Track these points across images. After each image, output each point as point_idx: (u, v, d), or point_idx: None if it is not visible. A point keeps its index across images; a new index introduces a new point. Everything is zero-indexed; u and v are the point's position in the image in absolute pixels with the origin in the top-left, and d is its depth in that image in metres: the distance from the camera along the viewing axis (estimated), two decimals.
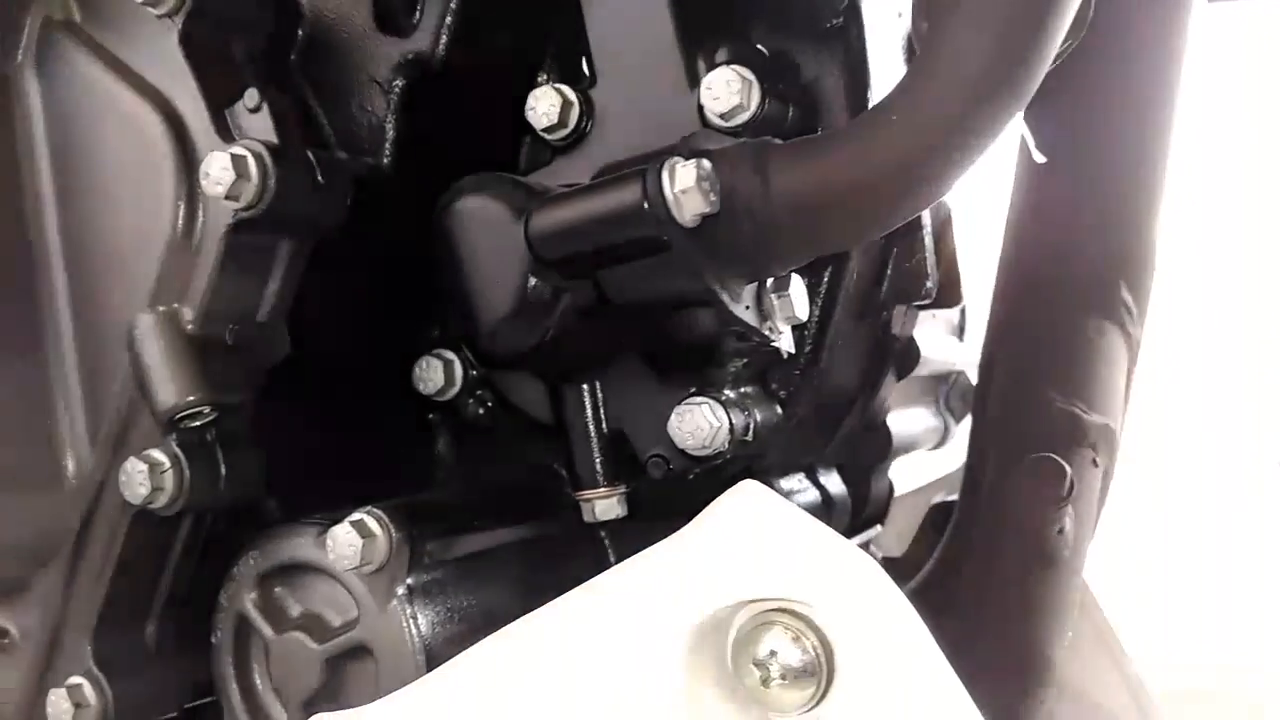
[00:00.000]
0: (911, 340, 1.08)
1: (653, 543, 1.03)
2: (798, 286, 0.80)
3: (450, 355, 0.98)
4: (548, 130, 0.91)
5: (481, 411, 1.00)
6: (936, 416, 1.43)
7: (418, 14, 0.91)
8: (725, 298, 0.74)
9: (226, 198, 0.80)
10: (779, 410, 0.93)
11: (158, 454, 0.85)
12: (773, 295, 0.80)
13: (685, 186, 0.70)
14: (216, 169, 0.79)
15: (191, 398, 0.83)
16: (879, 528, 1.26)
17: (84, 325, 0.88)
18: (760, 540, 0.71)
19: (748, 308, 0.77)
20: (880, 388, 1.06)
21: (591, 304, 0.80)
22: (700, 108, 0.86)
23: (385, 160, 0.94)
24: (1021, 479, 0.95)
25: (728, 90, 0.83)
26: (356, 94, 0.93)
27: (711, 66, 0.87)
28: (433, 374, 0.97)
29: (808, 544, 0.71)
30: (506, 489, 1.01)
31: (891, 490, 1.25)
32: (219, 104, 0.85)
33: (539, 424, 0.96)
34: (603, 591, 0.73)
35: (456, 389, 0.98)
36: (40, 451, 0.89)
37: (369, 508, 0.84)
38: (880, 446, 1.17)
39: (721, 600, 0.70)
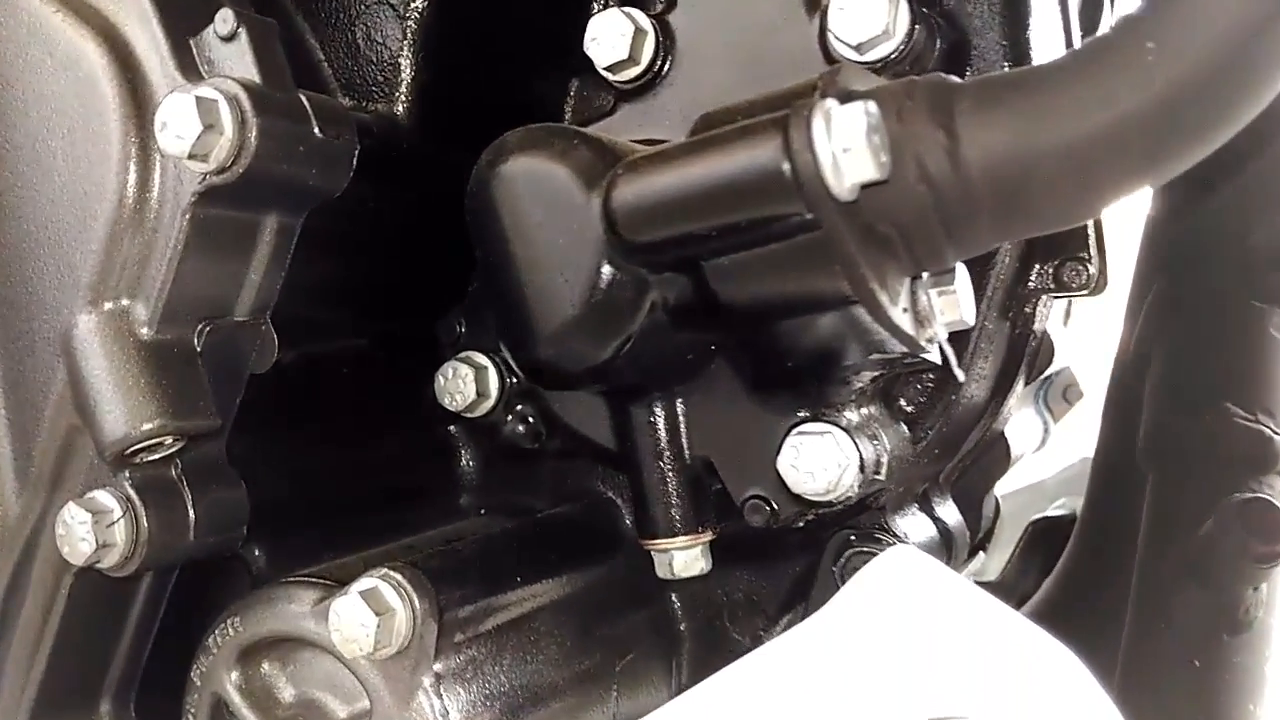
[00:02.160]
0: (1047, 335, 0.88)
1: (721, 597, 0.84)
2: (963, 279, 0.59)
3: (482, 360, 0.77)
4: (612, 68, 0.70)
5: (522, 430, 0.79)
6: (1037, 416, 1.22)
7: None
8: (884, 299, 0.53)
9: (190, 157, 0.58)
10: (907, 433, 0.73)
11: (104, 497, 0.64)
12: (932, 292, 0.58)
13: (849, 143, 0.48)
14: (177, 118, 0.58)
15: (148, 426, 0.62)
16: (982, 555, 1.06)
17: (6, 329, 0.66)
18: (933, 639, 0.52)
19: (905, 310, 0.56)
20: (1012, 394, 0.86)
21: (687, 303, 0.59)
22: (825, 35, 0.65)
23: (400, 107, 0.72)
24: (1218, 523, 0.75)
25: (868, 8, 0.62)
26: (362, 19, 0.72)
27: None
28: (460, 384, 0.76)
29: (994, 640, 0.52)
30: (548, 525, 0.80)
31: (998, 509, 1.06)
32: (179, 30, 0.63)
33: (598, 448, 0.75)
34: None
35: (491, 403, 0.77)
36: None
37: (383, 570, 0.63)
38: (999, 462, 0.97)
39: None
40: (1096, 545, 1.01)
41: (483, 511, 0.88)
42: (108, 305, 0.63)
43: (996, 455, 0.96)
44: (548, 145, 0.60)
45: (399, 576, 0.63)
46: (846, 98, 0.51)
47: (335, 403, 0.80)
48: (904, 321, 0.56)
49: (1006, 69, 0.69)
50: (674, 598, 0.85)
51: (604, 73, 0.70)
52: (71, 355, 0.63)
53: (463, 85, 0.74)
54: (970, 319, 0.60)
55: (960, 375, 0.61)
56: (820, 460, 0.64)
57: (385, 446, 0.85)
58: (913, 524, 0.84)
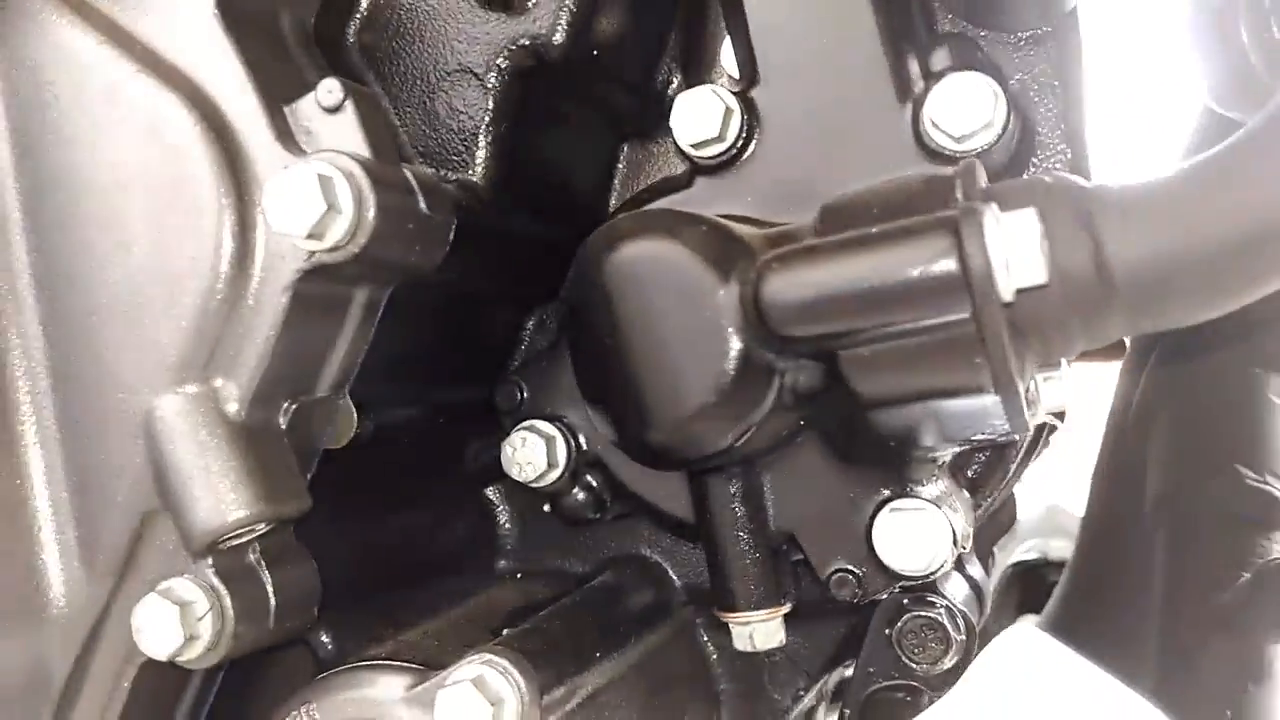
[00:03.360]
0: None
1: (763, 657, 0.84)
2: (1065, 366, 0.62)
3: (549, 429, 0.75)
4: (697, 145, 0.70)
5: (585, 499, 0.78)
6: None
7: None
8: (1022, 389, 0.55)
9: (308, 236, 0.56)
10: (970, 501, 0.75)
11: (185, 587, 0.60)
12: (1040, 378, 0.61)
13: (1019, 251, 0.50)
14: (294, 196, 0.55)
15: (243, 514, 0.59)
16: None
17: (71, 407, 0.62)
18: None
19: (1028, 401, 0.58)
20: (1040, 446, 0.89)
21: (814, 388, 0.60)
22: (919, 122, 0.66)
23: (477, 176, 0.71)
24: (1256, 583, 0.80)
25: (968, 105, 0.64)
26: (443, 88, 0.70)
27: (928, 74, 0.68)
28: (531, 455, 0.75)
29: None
30: (611, 594, 0.80)
31: (993, 559, 1.09)
32: (275, 97, 0.60)
33: (670, 518, 0.75)
34: None
35: (559, 472, 0.75)
36: (15, 576, 0.63)
37: (487, 656, 0.62)
38: (1010, 515, 1.00)
39: None
40: (1090, 590, 1.06)
41: (519, 576, 0.87)
42: (197, 386, 0.60)
43: (1008, 510, 1.00)
44: (674, 231, 0.60)
45: (505, 662, 0.61)
46: (1005, 203, 0.52)
47: (392, 472, 0.77)
48: (1026, 409, 0.58)
49: (1068, 154, 0.73)
50: (716, 659, 0.86)
51: (687, 148, 0.70)
52: (156, 439, 0.60)
53: (532, 153, 0.73)
54: (1068, 404, 0.62)
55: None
56: (919, 536, 0.65)
57: (431, 513, 0.83)
58: (952, 584, 0.87)
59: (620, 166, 0.84)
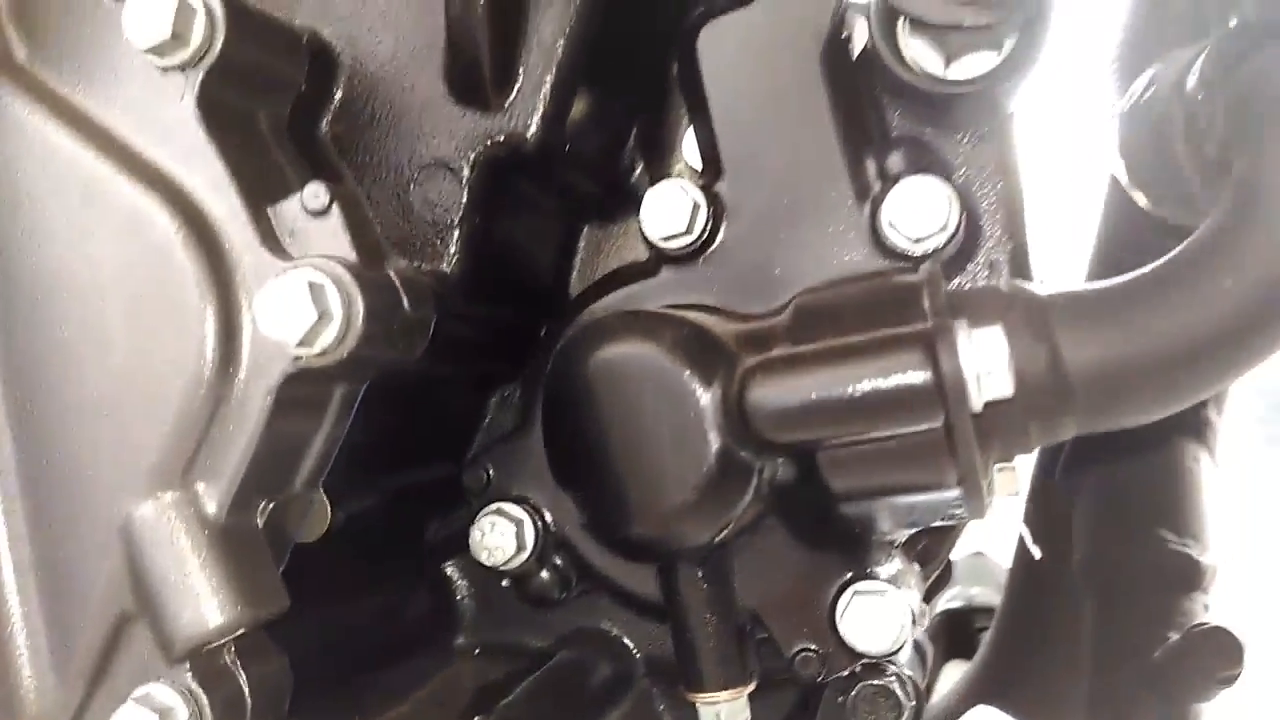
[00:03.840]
0: None
1: None
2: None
3: (518, 513, 0.76)
4: (667, 238, 0.72)
5: (549, 578, 0.79)
6: None
7: (516, 84, 0.69)
8: (984, 484, 0.58)
9: (299, 344, 0.56)
10: (919, 573, 0.78)
11: (164, 693, 0.59)
12: (994, 468, 0.64)
13: (991, 367, 0.54)
14: (285, 304, 0.56)
15: (225, 620, 0.58)
16: None
17: (43, 508, 0.61)
18: None
19: (987, 491, 0.62)
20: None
21: (789, 483, 0.62)
22: (876, 222, 0.70)
23: (448, 266, 0.72)
24: (1185, 646, 0.85)
25: (925, 209, 0.67)
26: (419, 182, 0.71)
27: (885, 176, 0.71)
28: (499, 539, 0.76)
29: None
30: (576, 671, 0.81)
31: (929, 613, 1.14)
32: (257, 198, 0.60)
33: (636, 599, 0.77)
34: None
35: (526, 555, 0.76)
36: None
37: None
38: (947, 573, 1.05)
39: None
40: (1019, 645, 1.11)
41: (478, 652, 0.87)
42: (177, 490, 0.59)
43: (946, 570, 1.05)
44: (657, 335, 0.62)
45: None
46: (971, 316, 0.56)
47: (353, 557, 0.77)
48: (986, 499, 0.62)
49: (1009, 244, 0.77)
50: None
51: (656, 240, 0.72)
52: (134, 543, 0.59)
53: (499, 240, 0.75)
54: (1020, 490, 0.66)
55: (1035, 551, 0.67)
56: (883, 619, 0.68)
57: (392, 594, 0.83)
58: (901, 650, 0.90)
59: (580, 246, 0.86)
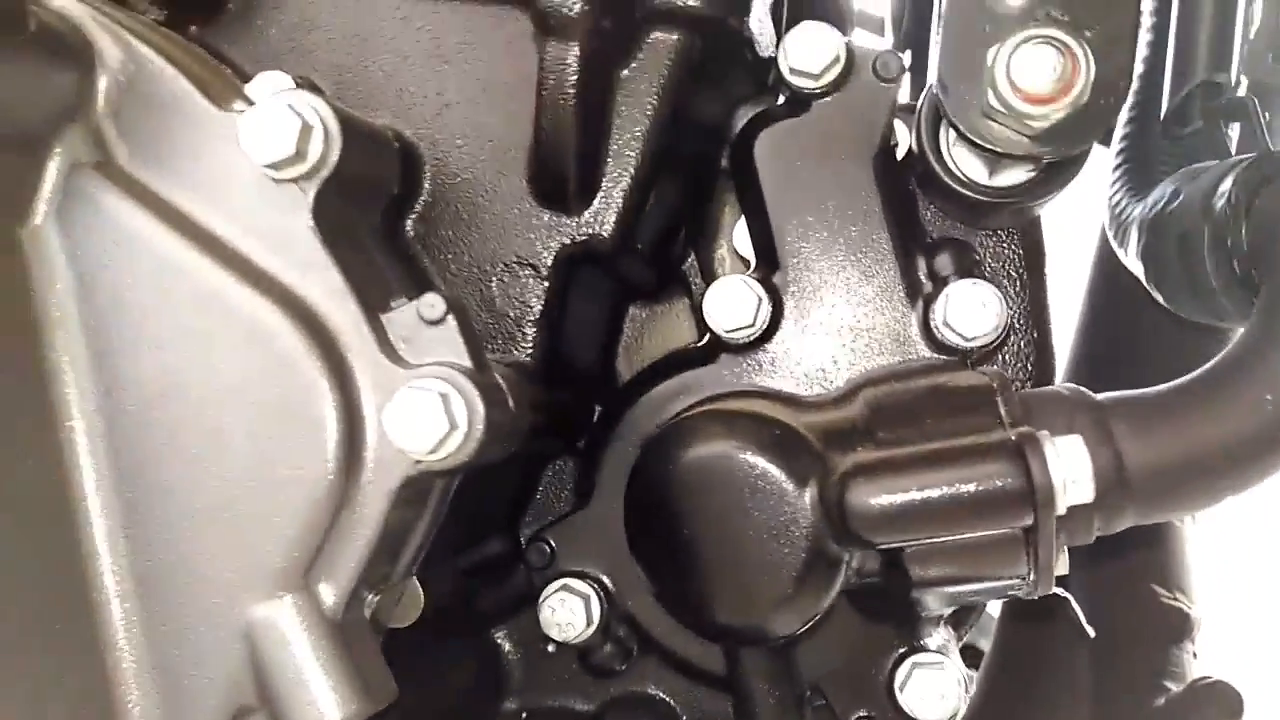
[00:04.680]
0: None
1: None
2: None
3: (584, 588, 0.80)
4: (731, 330, 0.77)
5: (611, 650, 0.82)
6: None
7: (597, 191, 0.73)
8: (1054, 575, 0.64)
9: (430, 453, 0.59)
10: (955, 635, 0.84)
11: None
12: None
13: (1076, 475, 0.59)
14: (417, 416, 0.58)
15: (347, 713, 0.60)
16: None
17: (160, 610, 0.62)
18: None
19: None
20: None
21: (873, 573, 0.67)
22: (929, 320, 0.75)
23: (525, 357, 0.75)
24: (1188, 698, 0.92)
25: (978, 312, 0.73)
26: (499, 275, 0.74)
27: (935, 278, 0.77)
28: (569, 615, 0.79)
29: None
30: None
31: None
32: (373, 307, 0.63)
33: (700, 671, 0.80)
34: None
35: (593, 629, 0.80)
36: None
37: None
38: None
39: None
40: (1012, 695, 1.17)
41: (525, 716, 0.90)
42: (296, 591, 0.61)
43: None
44: (747, 434, 0.66)
45: None
46: (1049, 424, 0.62)
47: (419, 634, 0.79)
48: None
49: (1034, 335, 0.83)
50: None
51: (720, 332, 0.77)
52: (255, 643, 0.60)
53: (574, 332, 0.78)
54: (1065, 570, 0.72)
55: (1086, 627, 0.73)
56: (941, 689, 0.74)
57: (447, 664, 0.85)
58: None
59: (626, 325, 0.89)
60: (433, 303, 0.63)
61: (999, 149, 0.65)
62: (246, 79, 0.73)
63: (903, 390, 0.69)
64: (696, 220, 0.88)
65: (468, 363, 0.62)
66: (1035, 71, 0.62)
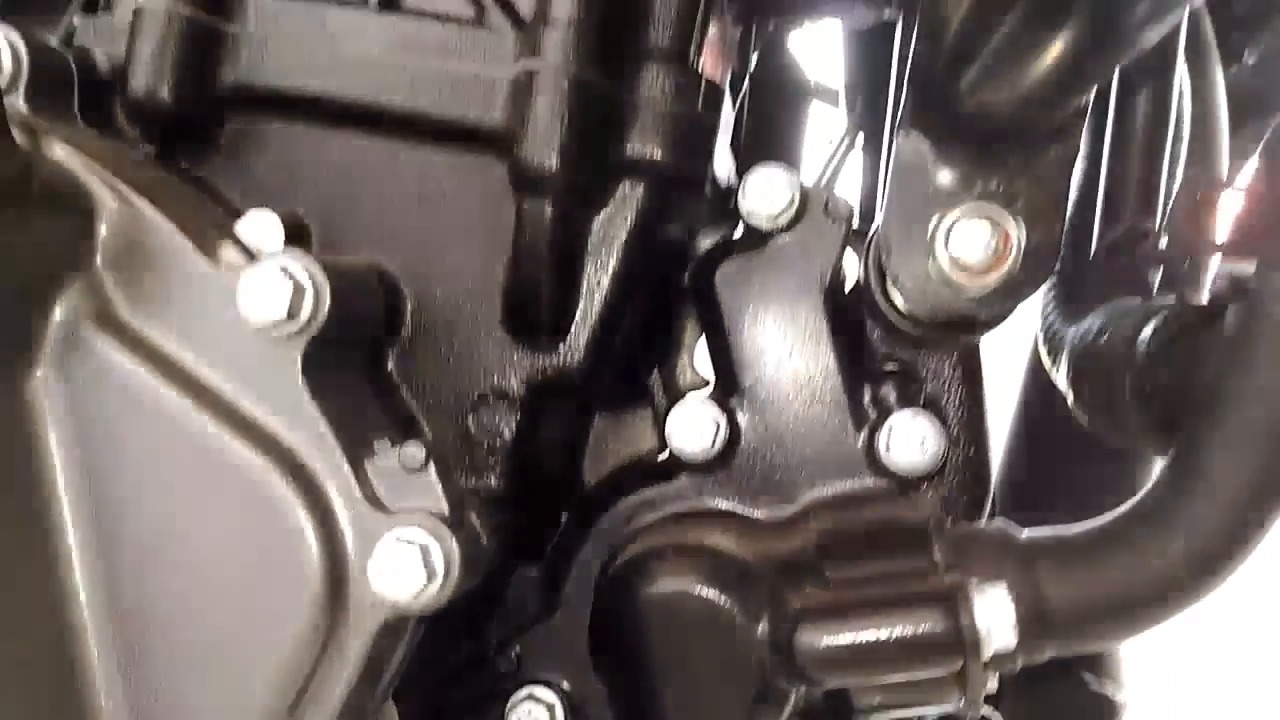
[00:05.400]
0: None
1: None
2: None
3: (549, 697, 0.84)
4: (690, 451, 0.82)
5: None
6: None
7: (569, 327, 0.78)
8: (981, 701, 0.70)
9: (410, 599, 0.63)
10: None
11: None
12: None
13: (1001, 622, 0.65)
14: (398, 567, 0.63)
15: None
16: None
17: None
18: None
19: None
20: None
21: (816, 701, 0.72)
22: (873, 448, 0.81)
23: (496, 482, 0.79)
24: None
25: (919, 444, 0.79)
26: (474, 407, 0.78)
27: (880, 406, 0.83)
28: None
29: None
30: None
31: None
32: (359, 455, 0.67)
33: None
34: None
35: None
36: None
37: None
38: None
39: None
40: None
41: None
42: None
43: None
44: (706, 572, 0.72)
45: None
46: (979, 570, 0.67)
47: None
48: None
49: (972, 450, 0.89)
50: None
51: (680, 452, 0.82)
52: None
53: (543, 450, 0.83)
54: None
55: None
56: None
57: None
58: None
59: (591, 432, 0.94)
60: (414, 453, 0.67)
61: (938, 311, 0.71)
62: (236, 212, 0.77)
63: (849, 521, 0.75)
64: (660, 336, 0.92)
65: (445, 510, 0.67)
66: (970, 246, 0.68)
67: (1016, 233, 0.67)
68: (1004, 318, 0.79)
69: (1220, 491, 0.68)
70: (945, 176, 0.69)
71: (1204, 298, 0.95)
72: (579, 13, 0.72)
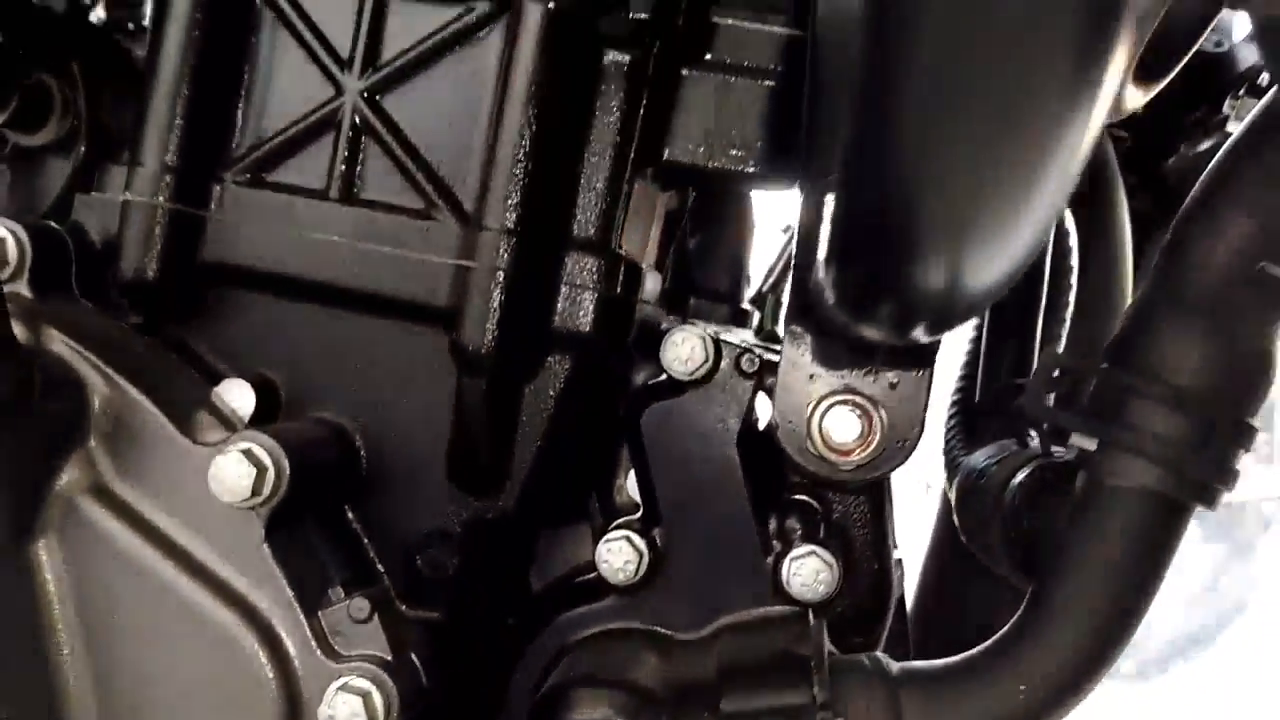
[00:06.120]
0: None
1: None
2: None
3: None
4: (617, 578, 0.93)
5: None
6: None
7: (506, 477, 0.89)
8: None
9: None
10: None
11: None
12: None
13: None
14: (348, 712, 0.74)
15: None
16: None
17: None
18: None
19: None
20: None
21: None
22: (778, 577, 0.91)
23: (441, 614, 0.90)
24: None
25: (814, 578, 0.89)
26: (420, 545, 0.89)
27: (785, 540, 0.93)
28: None
29: None
30: None
31: None
32: (314, 608, 0.78)
33: None
34: None
35: None
36: None
37: None
38: None
39: None
40: None
41: None
42: None
43: None
44: (615, 705, 0.83)
45: None
46: (854, 702, 0.78)
47: None
48: None
49: (875, 567, 1.00)
50: None
51: (609, 578, 0.93)
52: None
53: (484, 586, 0.94)
54: None
55: None
56: None
57: None
58: None
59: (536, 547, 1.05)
60: (361, 607, 0.79)
61: (819, 477, 0.82)
62: (214, 376, 0.88)
63: (753, 648, 0.86)
64: (600, 456, 1.03)
65: (389, 655, 0.78)
66: (840, 430, 0.78)
67: (880, 420, 0.78)
68: (876, 482, 0.90)
69: (1062, 640, 0.79)
70: (820, 368, 0.79)
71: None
72: (511, 220, 0.82)
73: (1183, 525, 0.78)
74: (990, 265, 0.57)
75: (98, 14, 1.33)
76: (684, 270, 1.28)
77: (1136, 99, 0.73)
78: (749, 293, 1.40)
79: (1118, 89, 0.50)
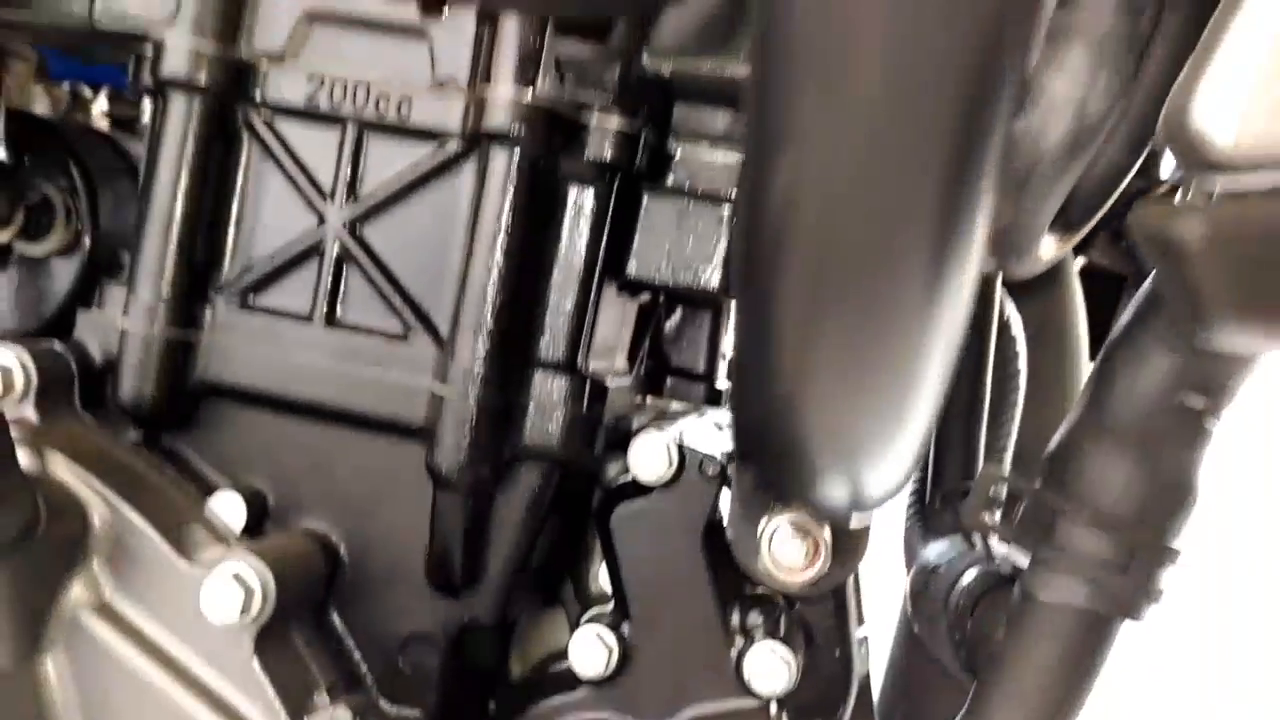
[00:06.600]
0: None
1: None
2: None
3: None
4: (588, 675, 0.98)
5: None
6: None
7: (480, 583, 0.94)
8: None
9: None
10: None
11: None
12: None
13: None
14: None
15: None
16: None
17: None
18: None
19: None
20: None
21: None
22: (740, 669, 0.97)
23: (425, 711, 0.96)
24: None
25: (773, 673, 0.95)
26: (402, 645, 0.95)
27: (747, 634, 0.99)
28: None
29: None
30: None
31: None
32: (299, 711, 0.84)
33: None
34: None
35: None
36: None
37: None
38: None
39: None
40: None
41: None
42: None
43: None
44: None
45: None
46: None
47: None
48: None
49: (838, 653, 1.05)
50: None
51: (581, 674, 0.98)
52: None
53: (465, 679, 0.99)
54: None
55: None
56: None
57: None
58: None
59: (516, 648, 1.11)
60: (343, 715, 0.85)
61: (775, 590, 0.87)
62: (208, 488, 0.94)
63: None
64: (573, 545, 1.09)
65: None
66: (787, 551, 0.84)
67: (824, 538, 0.83)
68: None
69: None
70: (766, 498, 0.85)
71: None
72: (481, 351, 0.88)
73: (1110, 638, 0.83)
74: (885, 465, 0.62)
75: (100, 106, 1.39)
76: (659, 350, 1.33)
77: (1053, 250, 0.78)
78: (725, 369, 1.45)
79: (977, 271, 0.54)
